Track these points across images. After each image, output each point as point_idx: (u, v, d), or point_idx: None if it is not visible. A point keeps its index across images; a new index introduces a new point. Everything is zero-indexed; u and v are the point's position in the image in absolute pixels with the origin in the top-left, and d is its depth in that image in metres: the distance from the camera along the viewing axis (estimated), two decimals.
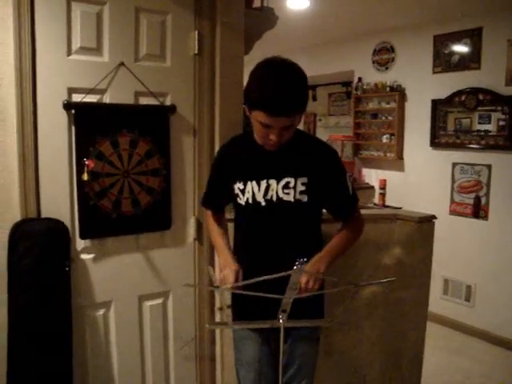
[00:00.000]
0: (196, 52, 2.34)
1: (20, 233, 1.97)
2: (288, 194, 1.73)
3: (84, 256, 2.17)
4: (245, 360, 1.88)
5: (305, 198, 1.73)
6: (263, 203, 1.74)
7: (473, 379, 3.52)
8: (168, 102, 2.31)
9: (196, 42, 2.33)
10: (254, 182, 1.75)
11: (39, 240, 1.99)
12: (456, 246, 4.35)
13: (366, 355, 2.56)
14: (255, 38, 2.53)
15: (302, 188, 1.73)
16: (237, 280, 1.66)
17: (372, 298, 2.51)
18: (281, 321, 1.59)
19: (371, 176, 5.21)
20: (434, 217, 2.58)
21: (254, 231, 1.81)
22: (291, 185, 1.73)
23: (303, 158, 1.76)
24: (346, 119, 6.18)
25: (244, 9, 2.42)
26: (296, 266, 1.45)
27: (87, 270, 2.17)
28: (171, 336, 2.45)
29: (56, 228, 2.05)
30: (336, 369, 2.52)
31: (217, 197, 1.96)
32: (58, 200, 2.09)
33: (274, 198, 1.74)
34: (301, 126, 6.88)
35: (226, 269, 1.72)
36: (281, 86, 1.56)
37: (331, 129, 6.74)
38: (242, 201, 1.79)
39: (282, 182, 1.73)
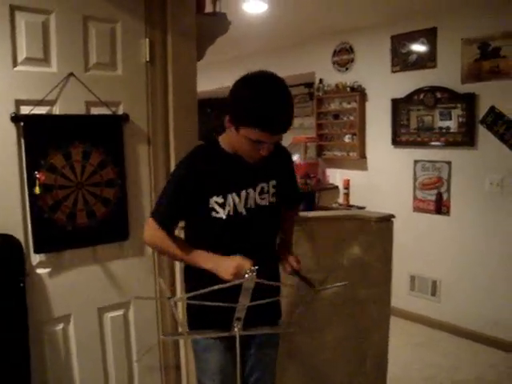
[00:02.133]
0: (148, 59, 2.33)
1: None
2: (264, 198, 1.79)
3: (40, 270, 2.12)
4: (209, 369, 1.86)
5: (275, 199, 1.82)
6: (244, 212, 1.75)
7: (442, 373, 3.58)
8: (120, 111, 2.28)
9: (147, 50, 2.32)
10: (234, 194, 1.73)
11: None
12: (421, 243, 4.42)
13: (330, 358, 2.57)
14: (208, 43, 2.52)
15: (273, 190, 1.81)
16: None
17: (333, 299, 2.53)
18: (236, 329, 1.59)
19: (335, 176, 5.26)
20: (392, 216, 2.61)
21: (235, 240, 1.75)
22: (265, 189, 1.79)
23: (270, 161, 1.78)
24: (310, 120, 6.21)
25: (195, 14, 2.41)
26: (248, 274, 1.46)
27: (44, 284, 2.13)
28: (134, 347, 2.42)
29: (8, 243, 2.01)
30: (300, 373, 2.53)
31: (178, 216, 1.81)
32: (10, 214, 2.04)
33: (253, 206, 1.77)
34: None
35: (233, 261, 1.60)
36: (281, 104, 1.57)
37: (296, 130, 6.75)
38: (220, 214, 1.72)
39: (258, 189, 1.78)
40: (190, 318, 1.90)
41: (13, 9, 1.98)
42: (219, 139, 1.79)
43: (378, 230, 2.57)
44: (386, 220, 2.61)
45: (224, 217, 1.72)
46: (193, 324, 1.89)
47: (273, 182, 1.81)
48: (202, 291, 1.51)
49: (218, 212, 1.72)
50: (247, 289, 1.51)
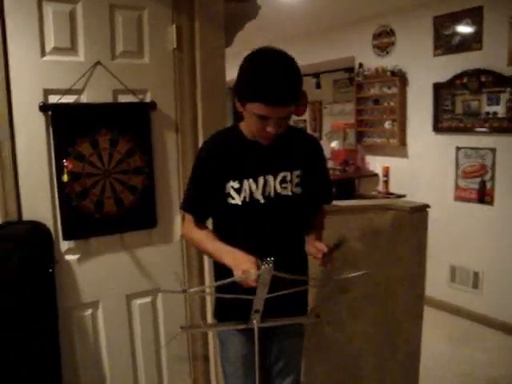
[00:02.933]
0: (175, 46, 2.31)
1: (1, 237, 1.97)
2: (285, 188, 1.72)
3: (68, 257, 2.17)
4: (231, 357, 1.85)
5: (299, 190, 1.75)
6: (262, 201, 1.70)
7: (478, 369, 3.45)
8: (148, 99, 2.28)
9: (174, 37, 2.29)
10: (250, 180, 1.69)
11: (21, 243, 1.98)
12: (462, 233, 4.26)
13: (360, 349, 2.53)
14: (236, 29, 2.48)
15: (297, 180, 1.74)
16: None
17: (365, 290, 2.47)
18: (254, 321, 1.57)
19: (375, 163, 5.13)
20: (427, 206, 2.52)
21: (252, 229, 1.72)
22: (288, 179, 1.72)
23: (295, 150, 1.76)
24: (351, 106, 6.09)
25: (223, 0, 2.37)
26: (263, 265, 1.43)
27: (72, 270, 2.17)
28: (162, 335, 2.44)
29: (38, 230, 2.05)
30: (329, 364, 2.49)
31: (204, 200, 1.78)
32: (39, 202, 2.08)
33: (272, 194, 1.71)
34: (306, 115, 6.84)
35: (243, 264, 1.51)
36: (277, 74, 1.51)
37: (337, 116, 6.66)
38: (236, 200, 1.69)
39: (279, 177, 1.71)
40: (215, 308, 1.92)
41: None
42: (240, 125, 1.75)
43: (412, 220, 2.48)
44: (421, 210, 2.51)
45: (239, 203, 1.69)
46: (216, 314, 1.90)
47: (297, 172, 1.73)
48: (215, 283, 1.50)
49: (234, 198, 1.69)
50: (264, 282, 1.47)
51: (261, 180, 1.69)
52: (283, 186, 1.71)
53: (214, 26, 2.36)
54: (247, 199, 1.69)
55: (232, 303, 1.60)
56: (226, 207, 1.71)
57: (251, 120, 1.61)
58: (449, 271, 4.40)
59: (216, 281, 1.80)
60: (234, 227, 1.74)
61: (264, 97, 1.51)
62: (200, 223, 1.80)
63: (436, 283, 4.41)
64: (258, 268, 1.47)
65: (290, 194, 1.72)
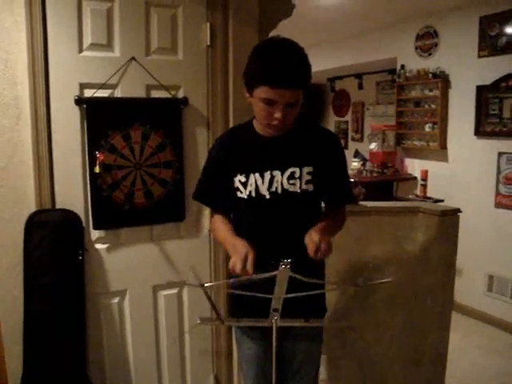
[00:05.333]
0: (208, 44, 2.35)
1: (35, 223, 2.06)
2: (294, 184, 1.67)
3: (98, 246, 2.25)
4: (246, 356, 1.87)
5: (311, 188, 1.69)
6: (267, 196, 1.68)
7: None
8: (180, 95, 2.33)
9: (208, 34, 2.33)
10: (257, 175, 1.68)
11: (53, 230, 2.07)
12: (501, 241, 4.12)
13: (385, 353, 2.49)
14: (270, 27, 2.49)
15: (308, 177, 1.68)
16: (245, 265, 1.50)
17: (391, 294, 2.44)
18: (273, 320, 1.57)
19: (414, 167, 5.04)
20: (458, 210, 2.45)
21: (257, 226, 1.73)
22: (296, 175, 1.67)
23: (307, 145, 1.71)
24: (393, 108, 6.00)
25: None
26: (280, 266, 1.42)
27: (101, 259, 2.25)
28: (187, 327, 2.48)
29: (69, 218, 2.14)
30: (354, 367, 2.48)
31: (212, 190, 1.82)
32: (72, 191, 2.17)
33: (279, 190, 1.67)
34: (349, 116, 6.77)
35: (235, 254, 1.53)
36: (283, 56, 1.52)
37: (379, 118, 6.58)
38: (243, 194, 1.70)
39: (287, 173, 1.67)
40: (230, 304, 1.92)
41: None
42: (254, 120, 1.76)
43: (443, 224, 2.42)
44: (452, 214, 2.45)
45: (245, 197, 1.70)
46: (232, 310, 1.91)
47: (308, 169, 1.67)
48: (232, 280, 1.50)
49: (241, 192, 1.71)
50: (281, 280, 1.46)
51: (267, 175, 1.68)
52: (291, 182, 1.67)
53: (248, 25, 2.38)
54: (253, 194, 1.69)
55: (248, 301, 1.56)
56: (236, 200, 1.74)
57: (259, 108, 1.59)
58: (486, 280, 4.26)
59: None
60: (243, 220, 1.77)
61: (269, 79, 1.51)
62: (217, 213, 1.85)
63: (472, 292, 4.30)
64: (246, 260, 1.49)
65: (298, 190, 1.67)
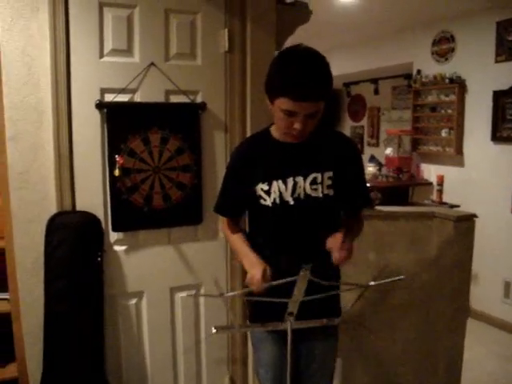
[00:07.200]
0: (226, 49, 2.38)
1: (55, 225, 2.11)
2: (316, 189, 1.69)
3: (116, 247, 2.29)
4: (263, 360, 1.88)
5: (331, 192, 1.71)
6: (291, 202, 1.70)
7: None
8: (199, 100, 2.36)
9: (226, 40, 2.37)
10: (279, 181, 1.70)
11: (73, 232, 2.12)
12: None
13: (400, 358, 2.49)
14: (287, 33, 2.52)
15: (329, 182, 1.70)
16: (264, 278, 1.60)
17: (406, 298, 2.44)
18: (288, 322, 1.59)
19: (430, 172, 5.01)
20: (474, 215, 2.45)
21: (282, 231, 1.75)
22: (318, 180, 1.69)
23: (327, 151, 1.73)
24: (409, 113, 5.98)
25: (275, 4, 2.42)
26: (301, 271, 1.43)
27: (119, 260, 2.28)
28: (203, 330, 2.51)
29: (89, 220, 2.18)
30: (368, 370, 2.48)
31: (234, 203, 1.86)
32: (92, 194, 2.21)
33: (302, 196, 1.69)
34: (364, 121, 6.76)
35: (252, 269, 1.64)
36: (305, 68, 1.52)
37: (395, 123, 6.55)
38: (267, 202, 1.71)
39: (310, 179, 1.69)
40: (248, 310, 1.95)
41: (101, 5, 2.14)
42: (271, 128, 1.78)
43: (458, 229, 2.42)
44: (468, 219, 2.45)
45: (270, 204, 1.70)
46: (251, 317, 1.93)
47: (329, 174, 1.70)
48: (246, 290, 1.54)
49: (265, 200, 1.71)
50: (300, 285, 1.48)
51: (290, 181, 1.69)
52: (313, 187, 1.69)
53: (266, 31, 2.41)
54: (277, 201, 1.70)
55: (266, 306, 1.61)
56: (259, 209, 1.75)
57: (279, 117, 1.61)
58: (503, 287, 4.23)
59: None
60: (265, 227, 1.78)
61: (291, 91, 1.51)
62: (233, 222, 1.89)
63: (489, 298, 4.27)
64: (264, 276, 1.58)
65: (320, 195, 1.70)
